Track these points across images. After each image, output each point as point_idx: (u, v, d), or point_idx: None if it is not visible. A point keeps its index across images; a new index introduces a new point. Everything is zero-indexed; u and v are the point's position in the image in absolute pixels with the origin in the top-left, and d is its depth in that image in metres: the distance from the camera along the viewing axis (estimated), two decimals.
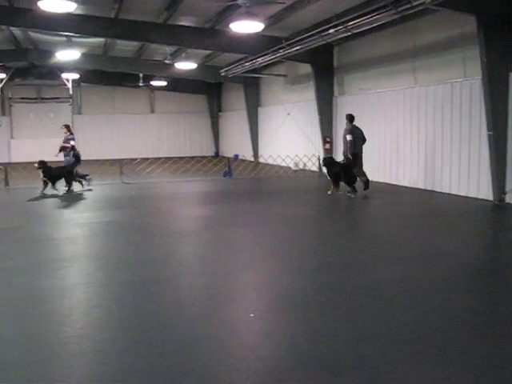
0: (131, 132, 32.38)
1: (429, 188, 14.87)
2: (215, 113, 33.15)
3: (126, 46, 22.58)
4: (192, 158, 26.39)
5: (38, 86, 31.07)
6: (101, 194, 16.01)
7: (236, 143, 30.27)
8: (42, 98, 31.41)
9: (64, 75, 27.72)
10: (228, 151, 31.43)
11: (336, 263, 7.63)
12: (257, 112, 27.32)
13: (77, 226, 11.07)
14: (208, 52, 22.68)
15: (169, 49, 21.78)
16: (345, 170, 14.10)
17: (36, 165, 15.58)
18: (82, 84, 30.90)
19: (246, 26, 13.73)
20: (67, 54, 20.52)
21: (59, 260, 8.05)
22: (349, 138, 14.21)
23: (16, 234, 10.21)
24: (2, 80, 27.50)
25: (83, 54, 22.35)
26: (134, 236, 9.85)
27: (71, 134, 16.99)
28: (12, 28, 19.48)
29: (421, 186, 15.20)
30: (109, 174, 19.61)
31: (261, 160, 24.26)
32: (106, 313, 5.76)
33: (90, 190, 16.62)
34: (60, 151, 16.78)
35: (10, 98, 30.90)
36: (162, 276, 7.12)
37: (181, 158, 23.61)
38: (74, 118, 31.68)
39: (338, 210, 13.18)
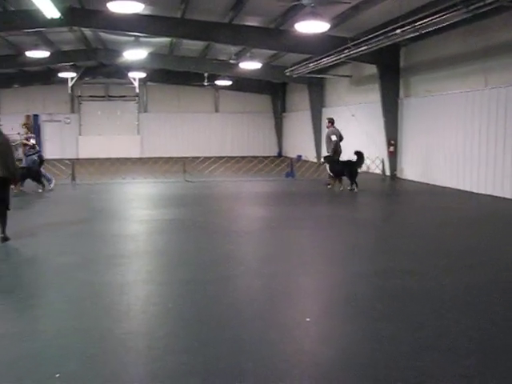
0: (195, 131, 32.73)
1: (496, 194, 14.32)
2: (279, 113, 33.10)
3: (191, 46, 22.81)
4: (254, 157, 26.43)
5: (106, 84, 31.85)
6: (164, 191, 16.21)
7: (299, 144, 30.12)
8: (110, 96, 32.17)
9: (131, 74, 28.30)
10: (291, 152, 31.32)
11: (397, 269, 7.41)
12: (321, 113, 27.09)
13: (139, 223, 11.25)
14: (273, 52, 22.64)
15: (234, 48, 21.88)
16: (349, 167, 15.77)
17: None
18: (149, 83, 31.47)
19: (311, 26, 13.61)
20: (134, 54, 20.90)
21: (120, 256, 8.17)
22: (334, 138, 16.21)
23: (80, 229, 10.45)
24: (72, 78, 28.33)
25: (150, 54, 22.72)
26: (195, 234, 9.91)
27: (31, 132, 17.03)
28: (83, 29, 20.00)
29: (489, 191, 14.66)
30: (172, 172, 19.85)
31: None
32: (164, 311, 5.79)
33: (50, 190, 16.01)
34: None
35: (80, 96, 31.80)
36: (220, 276, 7.10)
37: (243, 158, 23.70)
38: (140, 116, 32.31)
39: (401, 214, 12.88)
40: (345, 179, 16.03)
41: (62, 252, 8.57)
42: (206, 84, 29.82)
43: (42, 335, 5.12)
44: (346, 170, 15.79)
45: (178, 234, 10.12)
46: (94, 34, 21.42)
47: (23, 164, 15.88)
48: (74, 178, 18.27)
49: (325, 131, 26.56)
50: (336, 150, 16.07)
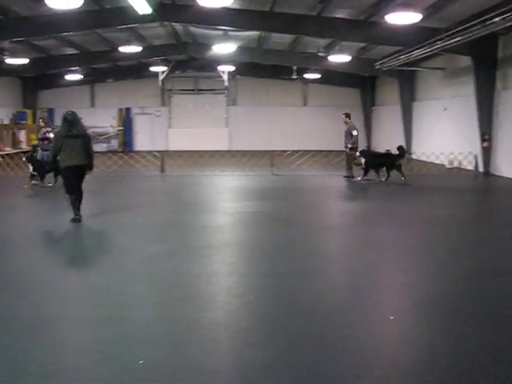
0: (283, 124, 32.70)
1: None
2: (368, 107, 32.52)
3: (280, 39, 22.79)
4: (342, 152, 26.09)
5: (196, 78, 32.41)
6: (250, 184, 16.31)
7: (388, 138, 29.46)
8: (199, 90, 32.71)
9: (220, 68, 28.65)
10: (380, 146, 30.69)
11: (488, 269, 7.08)
12: (411, 107, 26.38)
13: (225, 215, 11.37)
14: (362, 44, 22.24)
15: (322, 41, 21.68)
16: (390, 161, 16.37)
17: (24, 159, 15.43)
18: (237, 76, 31.73)
19: (402, 17, 13.25)
20: (224, 47, 21.12)
21: (206, 247, 8.27)
22: (355, 132, 16.77)
23: (168, 220, 10.68)
24: (163, 72, 29.04)
25: (239, 47, 22.88)
26: (280, 228, 9.88)
27: (48, 126, 16.76)
28: (174, 23, 20.44)
29: None
30: (259, 166, 19.94)
31: (413, 157, 23.42)
32: (246, 303, 5.80)
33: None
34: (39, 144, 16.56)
35: (170, 90, 32.53)
36: (303, 270, 7.05)
37: (330, 152, 23.41)
38: (229, 109, 32.68)
39: (496, 213, 12.32)
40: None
41: (151, 242, 8.80)
42: (294, 77, 29.72)
43: (127, 322, 5.25)
44: (388, 163, 16.30)
45: (263, 227, 10.13)
46: (184, 28, 21.84)
47: (39, 157, 15.78)
48: (163, 170, 18.71)
49: (418, 124, 26.08)
50: (356, 143, 16.81)
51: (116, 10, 17.10)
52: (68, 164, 9.98)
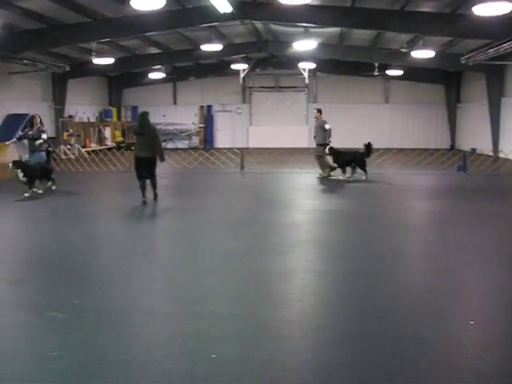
0: (364, 122, 32.16)
1: None
2: (453, 104, 31.48)
3: (361, 35, 22.42)
4: (425, 150, 25.42)
5: (276, 75, 32.41)
6: (327, 182, 16.12)
7: (474, 136, 28.44)
8: (280, 87, 32.70)
9: (301, 65, 28.52)
10: (464, 144, 29.67)
11: None
12: (499, 103, 25.32)
13: (303, 213, 11.29)
14: (447, 39, 21.50)
15: (405, 36, 21.12)
16: (359, 158, 16.33)
17: (10, 165, 13.19)
18: (318, 73, 31.48)
19: (491, 8, 12.68)
20: (304, 44, 20.99)
21: (283, 244, 8.23)
22: (328, 126, 16.41)
23: (247, 217, 10.71)
24: (244, 70, 29.22)
25: (319, 44, 22.66)
26: (359, 226, 9.72)
27: (42, 125, 14.40)
28: (254, 21, 20.49)
29: None
30: None
31: (500, 155, 22.47)
32: (320, 301, 5.73)
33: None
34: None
35: (251, 87, 32.70)
36: (380, 270, 6.89)
37: (413, 150, 22.86)
38: (309, 106, 32.48)
39: None
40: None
41: (229, 238, 8.86)
42: (375, 74, 29.17)
43: (203, 317, 5.29)
44: (357, 161, 16.31)
45: (341, 225, 9.99)
46: (265, 25, 21.85)
47: (27, 160, 13.91)
48: (242, 167, 18.82)
49: (507, 121, 24.96)
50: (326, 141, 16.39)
51: (197, 9, 17.34)
52: (138, 155, 11.90)
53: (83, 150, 25.50)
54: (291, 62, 28.41)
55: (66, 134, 25.94)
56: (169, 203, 12.89)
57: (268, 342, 4.68)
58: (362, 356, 4.35)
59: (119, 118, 32.88)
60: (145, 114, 12.13)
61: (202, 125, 32.63)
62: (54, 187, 14.08)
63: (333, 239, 8.85)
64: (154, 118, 31.81)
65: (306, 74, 29.88)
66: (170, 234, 9.55)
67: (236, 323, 5.15)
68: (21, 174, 13.11)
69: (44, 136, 13.95)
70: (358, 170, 16.47)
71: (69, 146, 25.08)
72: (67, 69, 23.66)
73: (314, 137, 17.02)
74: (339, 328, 5.00)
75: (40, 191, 13.55)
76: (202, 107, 32.76)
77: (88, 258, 7.72)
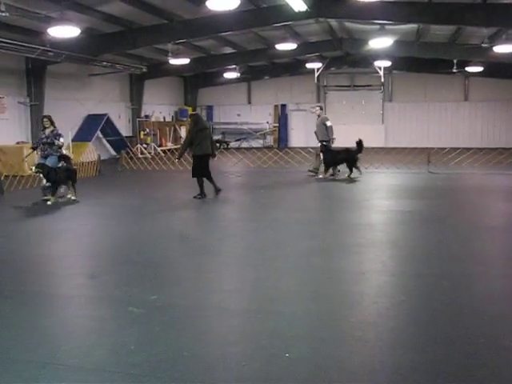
0: (441, 120, 31.33)
1: None
2: None
3: (439, 31, 21.81)
4: (506, 149, 24.50)
5: (351, 73, 32.03)
6: (405, 182, 15.81)
7: None
8: (355, 86, 32.30)
9: (376, 63, 28.09)
10: None
11: None
12: None
13: (378, 213, 11.11)
14: None
15: (487, 31, 20.40)
16: (350, 156, 16.20)
17: (33, 169, 12.14)
18: (394, 71, 30.90)
19: None
20: (380, 42, 20.65)
21: (357, 245, 8.14)
22: (329, 123, 16.37)
23: (320, 216, 10.66)
24: (318, 69, 29.06)
25: (395, 41, 22.22)
26: (434, 228, 9.47)
27: (55, 127, 12.64)
28: (329, 19, 20.33)
29: None
30: (415, 163, 19.25)
31: None
32: (395, 303, 5.61)
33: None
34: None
35: (325, 86, 32.46)
36: (456, 272, 6.70)
37: (493, 149, 22.09)
38: (385, 105, 31.96)
39: None
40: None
41: (303, 237, 8.83)
42: (454, 71, 28.32)
43: (276, 315, 5.30)
44: (348, 159, 16.21)
45: (417, 226, 9.75)
46: (340, 23, 21.65)
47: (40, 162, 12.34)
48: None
49: None
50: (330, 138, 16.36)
51: (272, 8, 17.37)
52: (201, 153, 12.44)
53: (159, 149, 26.10)
54: (366, 60, 28.03)
55: (142, 133, 26.64)
56: (242, 202, 13.00)
57: (342, 343, 4.64)
58: (438, 361, 4.23)
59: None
60: (200, 115, 13.09)
61: (277, 124, 32.70)
62: (73, 197, 12.51)
63: (408, 240, 8.66)
64: (228, 118, 32.39)
65: (381, 72, 29.40)
66: (243, 233, 9.60)
67: (309, 323, 5.14)
68: (44, 180, 11.87)
69: (62, 140, 12.53)
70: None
71: (145, 145, 25.73)
72: (144, 70, 24.31)
73: (315, 133, 16.96)
74: (414, 331, 4.89)
75: (73, 197, 12.45)
76: (276, 106, 32.83)
77: (163, 255, 7.89)
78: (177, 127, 30.51)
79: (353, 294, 5.94)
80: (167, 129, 29.80)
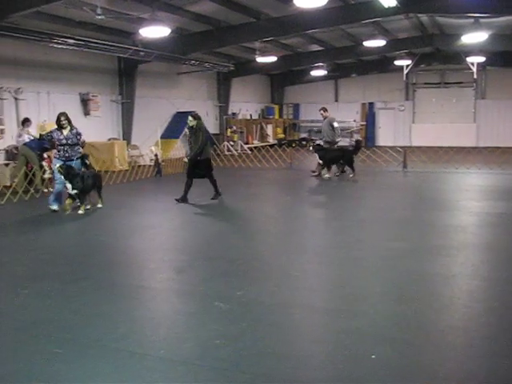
0: None
1: None
2: None
3: None
4: None
5: (442, 70, 31.05)
6: (499, 183, 15.16)
7: None
8: (445, 83, 31.31)
9: (469, 59, 27.07)
10: None
11: None
12: None
13: (469, 215, 10.71)
14: None
15: None
16: (346, 155, 16.14)
17: (56, 167, 10.74)
18: (488, 67, 29.68)
19: None
20: (474, 37, 19.94)
21: (446, 247, 7.88)
22: (336, 124, 16.41)
23: (408, 216, 10.41)
24: (407, 66, 28.38)
25: (490, 36, 21.34)
26: None
27: (72, 125, 11.10)
28: (419, 15, 19.79)
29: None
30: (509, 163, 18.46)
31: None
32: (488, 309, 5.39)
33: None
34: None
35: (414, 84, 31.69)
36: None
37: None
38: (477, 102, 30.81)
39: None
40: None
41: (389, 238, 8.65)
42: None
43: (360, 315, 5.22)
44: (344, 158, 16.10)
45: (510, 229, 9.32)
46: (431, 19, 21.00)
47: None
48: (405, 166, 18.30)
49: None
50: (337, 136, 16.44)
51: (360, 4, 17.14)
52: (207, 156, 12.28)
53: (245, 147, 26.34)
54: (458, 56, 27.07)
55: (229, 130, 26.97)
56: (327, 201, 12.92)
57: (430, 348, 4.48)
58: None
59: (281, 115, 33.52)
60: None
61: (364, 122, 32.25)
62: (100, 205, 11.38)
63: (502, 244, 8.27)
64: (315, 116, 32.25)
65: (474, 69, 28.32)
66: (328, 232, 9.54)
67: (396, 324, 5.00)
68: (69, 185, 10.50)
69: (83, 139, 11.18)
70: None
71: (232, 143, 26.04)
72: (232, 68, 24.60)
73: (321, 133, 16.93)
74: (510, 340, 4.64)
75: (100, 205, 11.36)
76: (363, 104, 32.38)
77: (248, 251, 7.95)
78: (263, 125, 30.70)
79: (441, 298, 5.75)
80: (254, 126, 30.04)
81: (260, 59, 22.61)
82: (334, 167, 16.54)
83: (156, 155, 17.86)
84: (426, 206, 11.53)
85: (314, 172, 16.75)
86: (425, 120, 31.60)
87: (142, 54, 18.62)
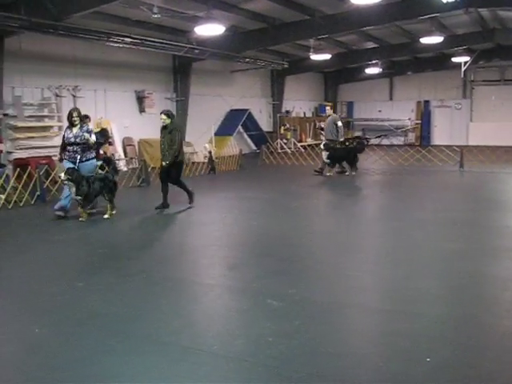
0: None
1: None
2: None
3: None
4: None
5: (502, 67, 30.10)
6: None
7: None
8: (506, 80, 30.36)
9: None
10: None
11: None
12: None
13: None
14: None
15: None
16: (351, 153, 16.33)
17: (62, 176, 9.80)
18: None
19: None
20: None
21: (507, 249, 7.63)
22: (340, 123, 16.55)
23: (466, 217, 10.15)
24: (465, 63, 27.66)
25: None
26: None
27: (84, 122, 10.50)
28: (480, 9, 19.25)
29: None
30: None
31: None
32: None
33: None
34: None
35: (472, 81, 30.89)
36: None
37: None
38: None
39: None
40: None
41: (447, 238, 8.43)
42: None
43: (416, 317, 5.11)
44: (350, 156, 16.22)
45: None
46: (492, 12, 20.37)
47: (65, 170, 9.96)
48: (462, 166, 17.85)
49: None
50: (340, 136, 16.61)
51: (418, 0, 16.79)
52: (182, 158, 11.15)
53: (299, 145, 26.26)
54: None
55: (282, 128, 26.93)
56: (383, 200, 12.73)
57: (490, 353, 4.35)
58: None
59: (334, 113, 33.24)
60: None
61: (419, 121, 31.66)
62: (106, 216, 10.10)
63: None
64: (369, 114, 31.84)
65: None
66: (384, 232, 9.37)
67: (453, 327, 4.88)
68: (73, 189, 9.67)
69: (93, 137, 10.17)
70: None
71: (285, 141, 26.00)
72: (286, 66, 24.54)
73: (323, 130, 17.03)
74: None
75: (107, 216, 10.12)
76: (419, 102, 31.77)
77: (302, 249, 7.91)
78: (317, 123, 30.54)
79: (502, 302, 5.58)
80: (307, 124, 29.91)
81: (314, 57, 22.46)
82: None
83: (210, 152, 17.97)
84: (483, 207, 11.22)
85: (317, 171, 16.58)
86: (483, 118, 30.75)
87: (196, 51, 18.77)
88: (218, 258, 7.48)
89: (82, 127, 10.05)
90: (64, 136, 10.19)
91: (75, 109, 10.43)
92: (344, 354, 4.34)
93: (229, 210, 11.26)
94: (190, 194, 11.15)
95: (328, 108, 18.03)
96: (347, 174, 16.35)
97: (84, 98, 17.30)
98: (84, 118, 12.74)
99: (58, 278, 6.49)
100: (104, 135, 11.89)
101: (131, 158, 18.58)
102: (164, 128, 10.67)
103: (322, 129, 17.97)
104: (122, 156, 17.94)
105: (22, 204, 11.24)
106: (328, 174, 16.26)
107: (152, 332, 4.79)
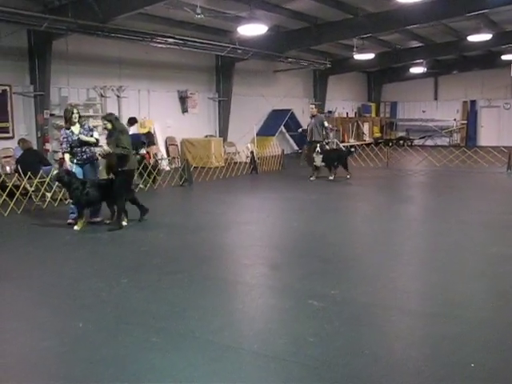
0: None
1: None
2: None
3: None
4: None
5: None
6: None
7: None
8: None
9: None
10: None
11: None
12: None
13: None
14: None
15: None
16: (340, 157, 15.92)
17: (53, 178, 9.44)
18: None
19: None
20: None
21: None
22: (327, 124, 16.14)
23: (508, 220, 9.91)
24: None
25: None
26: None
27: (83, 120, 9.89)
28: None
29: None
30: None
31: None
32: None
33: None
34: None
35: None
36: None
37: None
38: None
39: None
40: None
41: (492, 242, 8.21)
42: None
43: (460, 321, 5.01)
44: (341, 159, 15.80)
45: None
46: None
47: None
48: (509, 167, 17.41)
49: None
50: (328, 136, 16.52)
51: None
52: (132, 167, 9.54)
53: (341, 145, 26.07)
54: None
55: None
56: (426, 201, 12.53)
57: None
58: None
59: (378, 113, 32.92)
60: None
61: (465, 121, 31.03)
62: (124, 223, 9.20)
63: None
64: (413, 114, 31.35)
65: None
66: (428, 234, 9.20)
67: (499, 332, 4.74)
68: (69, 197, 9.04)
69: (96, 135, 9.53)
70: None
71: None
72: (328, 65, 24.39)
73: (308, 132, 16.15)
74: None
75: (108, 221, 9.44)
76: (465, 102, 31.14)
77: (344, 250, 7.85)
78: (360, 123, 30.27)
79: None
80: (350, 125, 29.68)
81: (357, 56, 22.24)
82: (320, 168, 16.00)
83: (252, 152, 17.99)
84: None
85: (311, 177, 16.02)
86: None
87: (239, 51, 18.84)
88: (259, 257, 7.47)
89: (83, 125, 9.51)
90: (67, 140, 9.32)
91: (74, 106, 9.97)
92: (385, 357, 4.28)
93: (270, 211, 11.25)
94: (142, 211, 9.68)
95: (313, 107, 17.23)
96: (348, 176, 15.67)
97: (128, 98, 17.56)
98: (132, 121, 12.36)
99: (102, 274, 6.59)
100: (149, 137, 12.23)
101: (174, 158, 18.75)
102: (109, 133, 9.22)
103: (305, 130, 17.14)
104: (165, 155, 18.11)
105: (67, 202, 11.45)
106: (330, 178, 15.64)
107: (193, 330, 4.81)
